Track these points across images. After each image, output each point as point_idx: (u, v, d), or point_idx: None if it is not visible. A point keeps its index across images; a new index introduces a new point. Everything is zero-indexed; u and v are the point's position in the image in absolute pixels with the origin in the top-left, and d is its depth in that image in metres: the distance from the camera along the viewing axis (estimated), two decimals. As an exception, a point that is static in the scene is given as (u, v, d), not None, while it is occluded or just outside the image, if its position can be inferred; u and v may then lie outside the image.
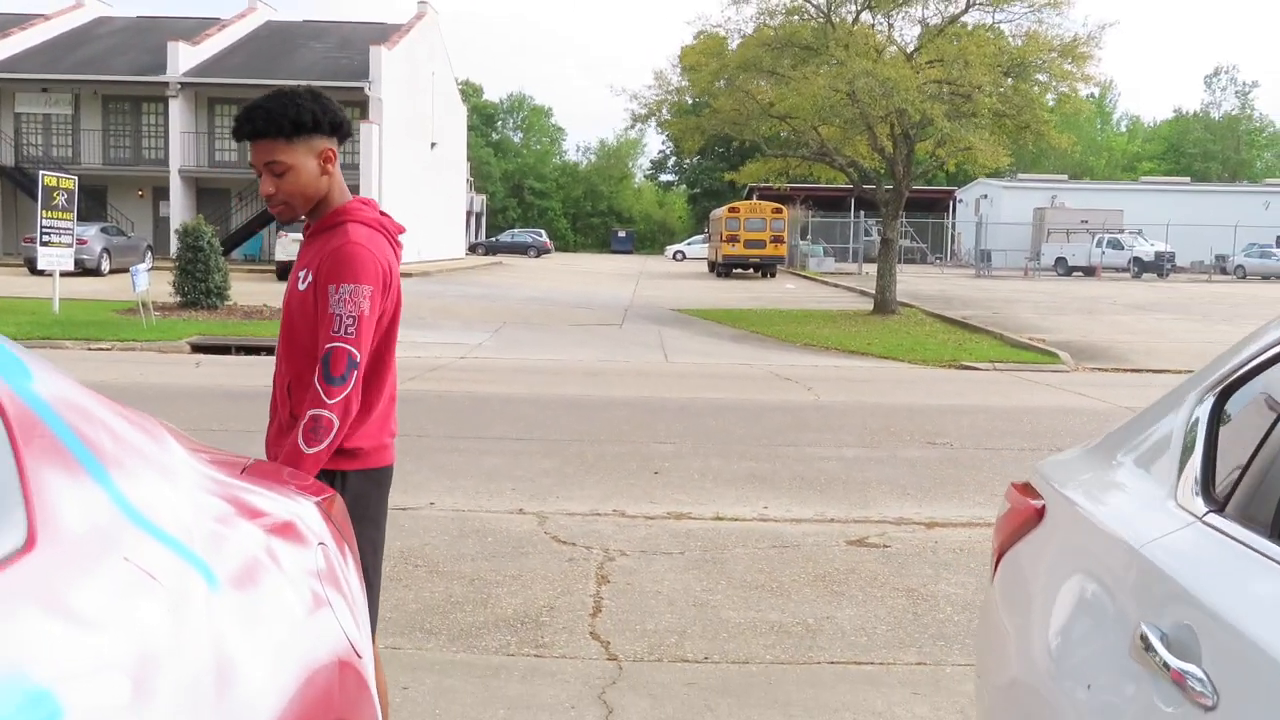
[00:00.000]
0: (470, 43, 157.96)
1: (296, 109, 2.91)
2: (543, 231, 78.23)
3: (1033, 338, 19.91)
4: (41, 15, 46.43)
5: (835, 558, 6.23)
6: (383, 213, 3.12)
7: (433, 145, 48.29)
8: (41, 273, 21.61)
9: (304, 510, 1.99)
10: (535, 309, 25.61)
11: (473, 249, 68.09)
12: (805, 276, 45.82)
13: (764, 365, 15.99)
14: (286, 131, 2.89)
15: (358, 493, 2.99)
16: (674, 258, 69.32)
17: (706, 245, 56.80)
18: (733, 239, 44.15)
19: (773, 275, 45.10)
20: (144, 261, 23.78)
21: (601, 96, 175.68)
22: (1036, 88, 24.95)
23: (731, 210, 45.30)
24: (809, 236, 54.71)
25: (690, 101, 33.80)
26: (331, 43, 44.85)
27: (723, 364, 16.22)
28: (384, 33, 43.92)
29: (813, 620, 5.12)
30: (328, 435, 2.84)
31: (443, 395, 12.09)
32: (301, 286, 2.96)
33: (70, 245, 20.85)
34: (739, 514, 7.23)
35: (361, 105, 40.18)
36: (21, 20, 45.60)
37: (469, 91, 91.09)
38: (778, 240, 44.43)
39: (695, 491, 7.85)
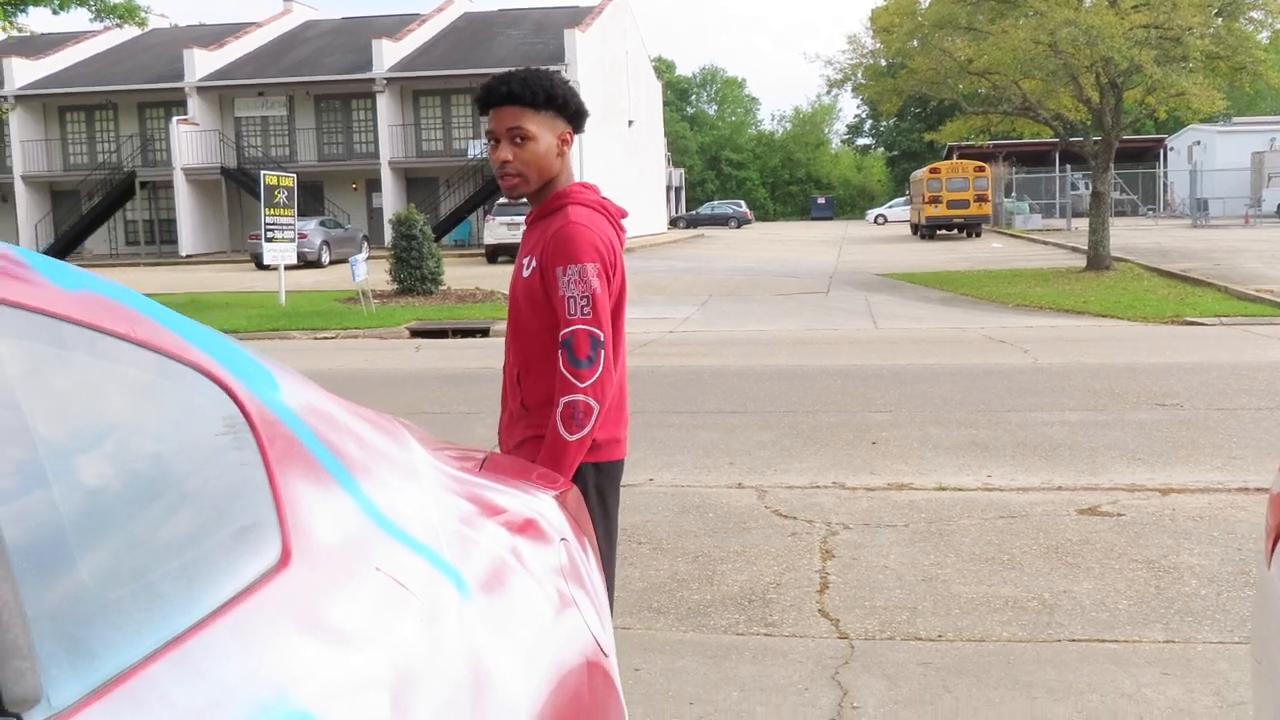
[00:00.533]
0: (662, 20, 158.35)
1: (550, 83, 2.94)
2: (742, 202, 77.97)
3: (1260, 289, 18.75)
4: (254, 23, 48.77)
5: (1067, 528, 5.99)
6: (604, 196, 3.12)
7: (630, 123, 48.66)
8: (267, 267, 22.70)
9: (544, 505, 1.98)
10: (740, 280, 25.53)
11: (674, 223, 68.42)
12: (1011, 235, 44.34)
13: (977, 328, 15.54)
14: (539, 101, 2.90)
15: (595, 486, 3.00)
16: (875, 221, 68.09)
17: (908, 208, 55.55)
18: (935, 200, 43.06)
19: (978, 235, 43.84)
20: (361, 251, 24.74)
21: (794, 64, 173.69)
22: (1250, 25, 23.44)
23: (932, 171, 44.17)
24: (1014, 194, 52.88)
25: (885, 64, 33.08)
26: (527, 29, 45.63)
27: (933, 328, 15.84)
28: (577, 15, 44.42)
29: (1048, 594, 4.93)
30: (588, 419, 2.82)
31: (654, 370, 12.17)
32: (526, 273, 2.96)
33: (292, 240, 21.85)
34: (962, 483, 7.03)
35: (559, 88, 40.72)
36: (236, 29, 47.99)
37: (662, 68, 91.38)
38: (981, 199, 43.11)
39: (915, 461, 7.68)
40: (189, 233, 42.29)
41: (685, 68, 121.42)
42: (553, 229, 2.91)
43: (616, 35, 47.31)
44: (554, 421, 2.83)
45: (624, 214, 3.11)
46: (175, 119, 42.44)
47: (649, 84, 56.11)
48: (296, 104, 43.93)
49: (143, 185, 43.33)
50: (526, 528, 1.83)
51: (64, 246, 42.79)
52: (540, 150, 2.92)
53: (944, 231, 44.29)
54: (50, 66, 46.44)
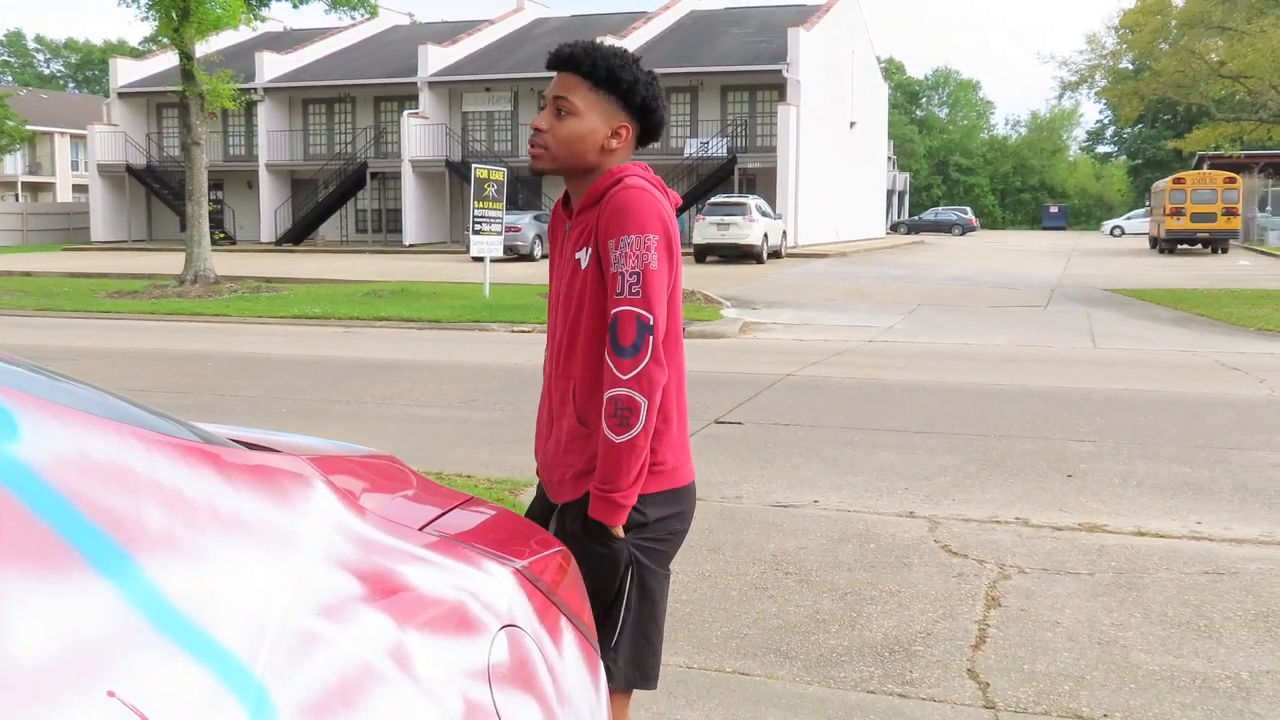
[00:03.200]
0: (893, 20, 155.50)
1: (622, 63, 2.51)
2: (968, 209, 75.63)
3: None
4: (487, 20, 49.93)
5: (1284, 591, 5.20)
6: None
7: (851, 125, 47.66)
8: (480, 259, 22.99)
9: (485, 583, 1.53)
10: (954, 290, 24.48)
11: (894, 228, 66.93)
12: (1263, 252, 41.34)
13: (1208, 353, 14.28)
14: (598, 75, 2.49)
15: (659, 518, 2.55)
16: (1111, 233, 64.93)
17: (1148, 219, 52.60)
18: (1178, 212, 40.50)
19: (1224, 251, 41.03)
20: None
21: (1032, 66, 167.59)
22: None
23: (1176, 181, 41.56)
24: (1268, 208, 49.34)
25: (1129, 66, 31.37)
26: (751, 27, 45.22)
27: (1159, 351, 14.65)
28: (803, 14, 43.74)
29: (1247, 674, 4.21)
30: (637, 417, 2.38)
31: (843, 382, 11.58)
32: (584, 266, 2.50)
33: (499, 233, 22.02)
34: (1165, 529, 6.26)
35: (779, 88, 40.26)
36: (469, 26, 49.25)
37: (891, 69, 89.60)
38: (1230, 213, 40.30)
39: (1114, 500, 6.92)
40: (413, 223, 43.55)
41: (917, 69, 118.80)
42: (605, 203, 2.48)
43: (843, 34, 46.39)
44: (603, 424, 2.41)
45: (679, 203, 2.65)
46: (406, 113, 43.78)
47: (875, 85, 54.87)
48: (521, 100, 44.68)
49: (373, 176, 44.91)
50: (437, 616, 1.40)
51: (300, 232, 44.79)
52: (581, 131, 2.51)
53: (1186, 246, 41.64)
54: (297, 61, 48.66)
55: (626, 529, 2.52)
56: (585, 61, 2.50)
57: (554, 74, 2.57)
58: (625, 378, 2.38)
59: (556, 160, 2.54)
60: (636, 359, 2.38)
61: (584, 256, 2.51)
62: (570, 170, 2.56)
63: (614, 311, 2.40)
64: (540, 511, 2.76)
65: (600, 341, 2.47)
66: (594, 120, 2.52)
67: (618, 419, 2.39)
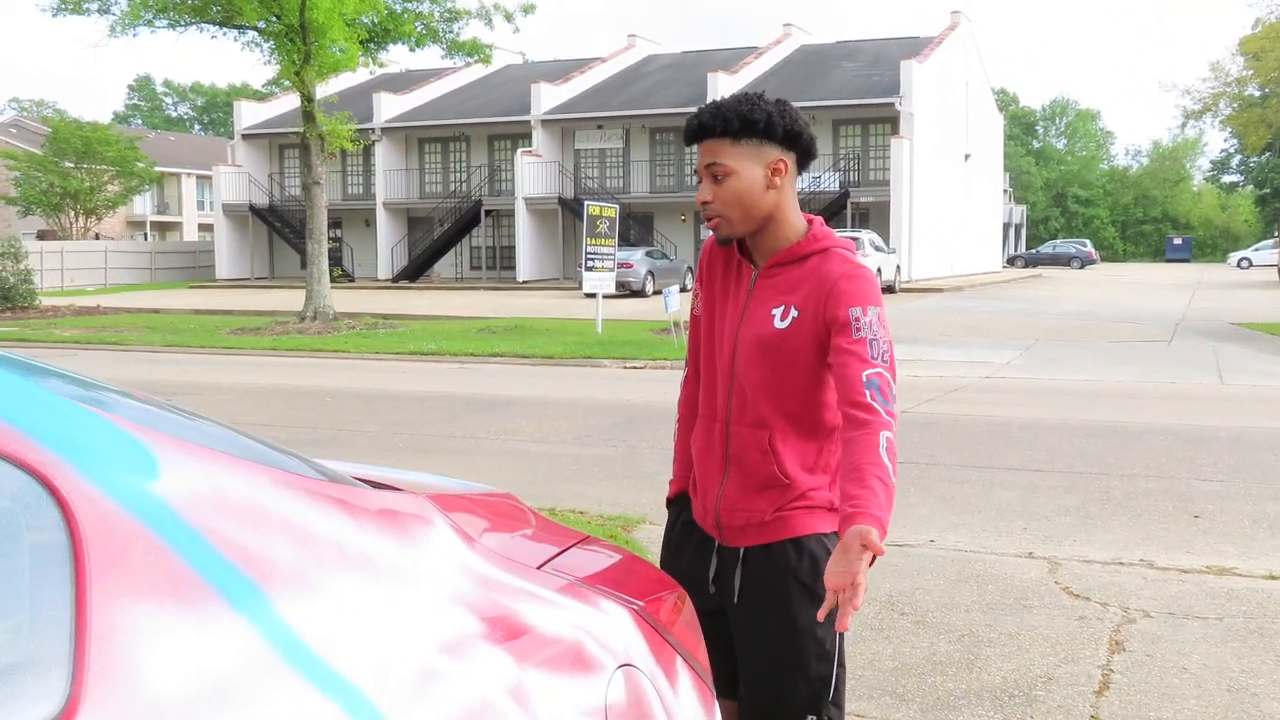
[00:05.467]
0: (1008, 50, 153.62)
1: (750, 107, 2.54)
2: (1087, 241, 73.97)
3: None
4: (598, 58, 50.53)
5: None
6: None
7: (966, 157, 47.08)
8: (592, 295, 23.19)
9: (602, 622, 1.55)
10: (1073, 324, 23.96)
11: (1011, 261, 65.79)
12: (1401, 283, 39.75)
13: (1343, 388, 13.76)
14: (734, 129, 2.52)
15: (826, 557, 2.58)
16: (1238, 265, 62.90)
17: (1276, 251, 50.90)
18: (1308, 243, 39.17)
19: (1360, 283, 39.56)
20: (680, 283, 24.87)
21: (1154, 95, 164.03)
22: None
23: (1307, 211, 40.23)
24: (1407, 237, 47.46)
25: (1255, 92, 30.54)
26: (863, 61, 45.01)
27: (1290, 387, 14.16)
28: (915, 46, 43.41)
29: (1391, 727, 4.03)
30: (896, 466, 2.40)
31: (959, 419, 11.40)
32: (782, 324, 2.54)
33: (611, 269, 22.21)
34: (1299, 573, 6.03)
35: (892, 121, 39.97)
36: (581, 65, 49.87)
37: (1006, 100, 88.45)
38: (1365, 243, 38.85)
39: (1243, 542, 6.68)
40: (526, 259, 44.10)
41: (1033, 99, 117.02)
42: (832, 273, 2.53)
43: (957, 66, 45.92)
44: (879, 458, 2.33)
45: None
46: (520, 151, 44.44)
47: (989, 116, 54.15)
48: (632, 136, 45.06)
49: (487, 213, 45.64)
50: (559, 656, 1.42)
51: (416, 269, 45.66)
52: (742, 186, 2.53)
53: (1317, 278, 40.28)
54: (413, 101, 49.76)
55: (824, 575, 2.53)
56: (717, 123, 2.53)
57: (695, 144, 2.60)
58: (895, 425, 2.42)
59: (734, 223, 2.57)
60: (895, 414, 2.44)
61: (780, 313, 2.56)
62: (754, 224, 2.59)
63: (875, 371, 2.42)
64: (687, 551, 2.75)
65: (796, 397, 2.55)
66: (750, 170, 2.54)
67: (895, 461, 2.37)
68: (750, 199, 2.54)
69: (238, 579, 1.10)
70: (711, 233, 2.64)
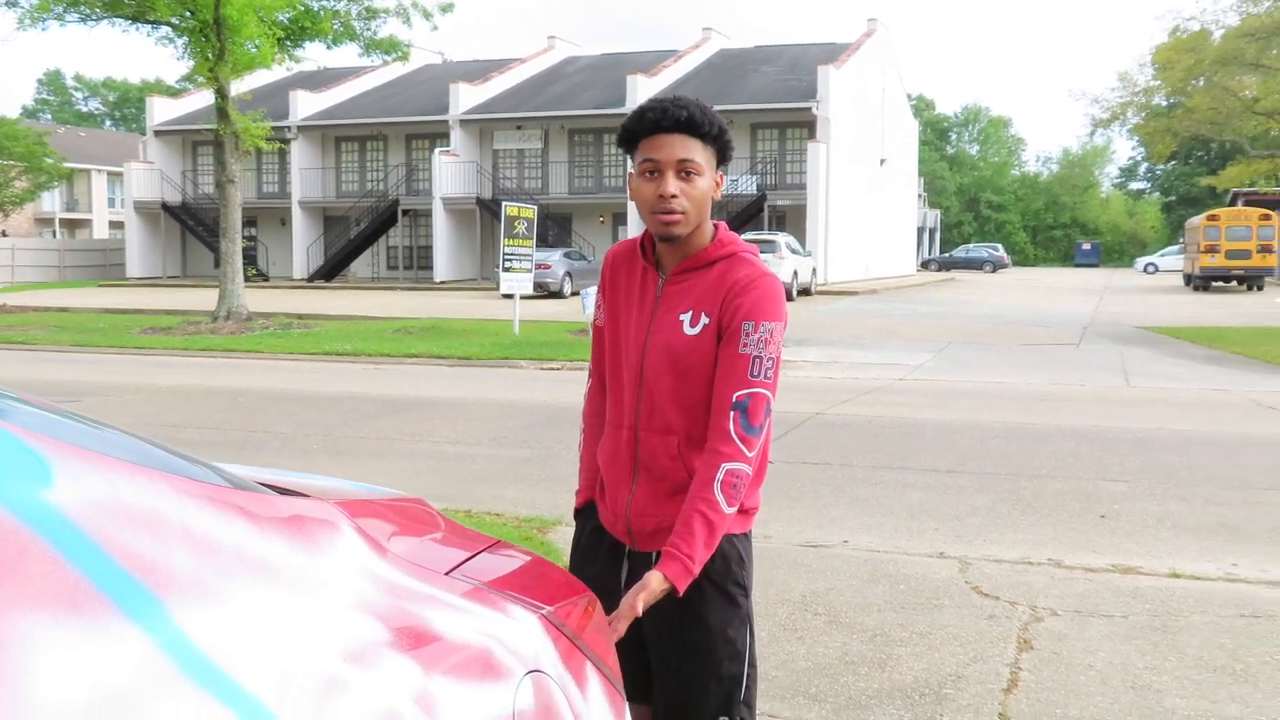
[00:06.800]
0: (923, 57, 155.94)
1: (720, 122, 2.58)
2: (999, 246, 75.37)
3: None
4: (518, 59, 50.37)
5: (1322, 635, 5.12)
6: None
7: (882, 162, 47.72)
8: (510, 296, 23.09)
9: (511, 629, 1.53)
10: (985, 327, 24.37)
11: (925, 265, 66.80)
12: (1299, 289, 40.98)
13: (1244, 392, 14.15)
14: (712, 135, 2.55)
15: (747, 559, 2.67)
16: (1145, 270, 64.49)
17: (1182, 257, 52.25)
18: (1212, 249, 40.22)
19: (1260, 289, 40.67)
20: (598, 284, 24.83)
21: (1064, 103, 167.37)
22: None
23: (1210, 218, 41.28)
24: (1305, 245, 48.91)
25: (1162, 102, 31.31)
26: (781, 66, 45.38)
27: (1194, 389, 14.52)
28: (833, 52, 43.89)
29: (1286, 721, 4.15)
30: (744, 492, 2.51)
31: (873, 420, 11.53)
32: (692, 330, 2.54)
33: (529, 270, 22.12)
34: (1200, 571, 6.18)
35: (809, 125, 40.36)
36: (500, 65, 49.68)
37: (921, 106, 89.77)
38: (1265, 250, 39.94)
39: (1148, 541, 6.84)
40: (444, 260, 43.80)
41: (947, 105, 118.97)
42: (735, 279, 2.54)
43: (873, 72, 46.51)
44: (712, 493, 2.44)
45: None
46: (438, 150, 44.12)
47: (905, 122, 54.93)
48: (551, 137, 44.97)
49: (405, 213, 45.26)
50: (463, 661, 1.40)
51: (332, 269, 45.13)
52: (705, 189, 2.55)
53: (1221, 283, 41.33)
54: (330, 100, 49.20)
55: (735, 575, 2.61)
56: (704, 123, 2.52)
57: (655, 135, 2.54)
58: (750, 454, 2.49)
59: (690, 222, 2.56)
60: (758, 438, 2.50)
61: (689, 319, 2.56)
62: (695, 228, 2.59)
63: (748, 392, 2.49)
64: (598, 558, 2.75)
65: (708, 404, 2.55)
66: (709, 175, 2.56)
67: (735, 491, 2.47)
68: (706, 203, 2.57)
69: (134, 588, 1.07)
70: (663, 229, 2.53)
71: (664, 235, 2.56)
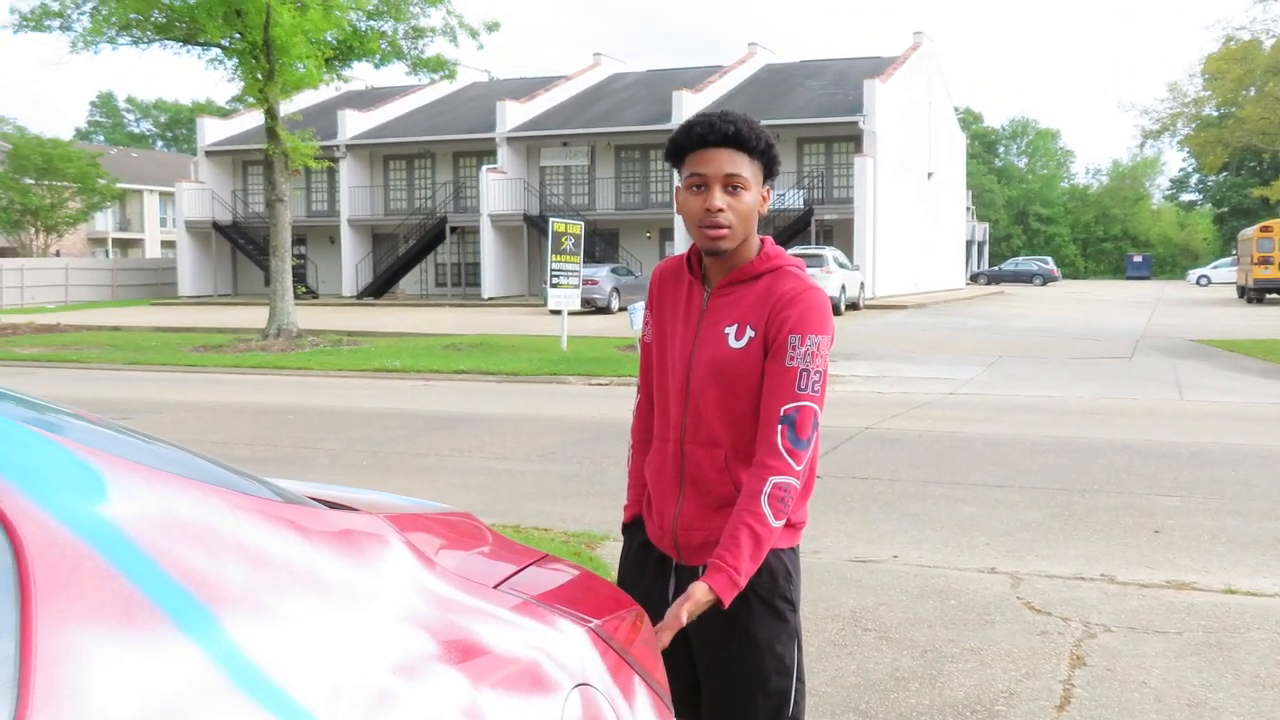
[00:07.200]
0: (969, 70, 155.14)
1: (767, 136, 2.60)
2: (1049, 259, 74.76)
3: None
4: (564, 76, 50.61)
5: (1383, 652, 5.02)
6: None
7: (929, 175, 47.46)
8: (557, 312, 23.17)
9: (559, 642, 1.54)
10: (1035, 341, 24.16)
11: (974, 279, 66.33)
12: (1356, 300, 40.29)
13: (1300, 404, 13.93)
14: (758, 150, 2.56)
15: (795, 573, 2.66)
16: (1197, 283, 63.77)
17: (1234, 268, 51.55)
18: (1265, 261, 39.64)
19: (1315, 300, 40.07)
20: (645, 299, 24.88)
21: (1113, 115, 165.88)
22: None
23: (1264, 229, 40.69)
24: (1361, 255, 48.10)
25: (1213, 113, 30.98)
26: (827, 80, 45.31)
27: (1248, 403, 14.32)
28: (879, 66, 43.75)
29: (1347, 740, 4.07)
30: (792, 504, 2.51)
31: (922, 435, 11.46)
32: (738, 343, 2.55)
33: (576, 286, 22.20)
34: (1257, 588, 6.09)
35: (856, 139, 40.25)
36: (546, 83, 49.94)
37: (968, 119, 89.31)
38: (1319, 261, 39.34)
39: (1203, 556, 6.75)
40: (491, 276, 44.04)
41: (995, 119, 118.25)
42: (780, 292, 2.55)
43: (919, 85, 46.31)
44: (759, 506, 2.44)
45: None
46: (485, 168, 44.40)
47: (952, 135, 54.63)
48: (598, 154, 45.14)
49: (453, 230, 45.57)
50: (514, 676, 1.40)
51: (380, 286, 45.50)
52: (752, 204, 2.56)
53: (1275, 295, 40.72)
54: (378, 118, 49.66)
55: (783, 589, 2.61)
56: (751, 138, 2.54)
57: (703, 150, 2.56)
58: (798, 468, 2.49)
59: (738, 237, 2.57)
60: (806, 451, 2.50)
61: (734, 332, 2.57)
62: (741, 242, 2.59)
63: (795, 405, 2.49)
64: (645, 572, 2.75)
65: (755, 418, 2.56)
66: (756, 190, 2.58)
67: (782, 505, 2.47)
68: (753, 218, 2.58)
69: (187, 602, 1.09)
70: (709, 243, 2.54)
71: (710, 249, 2.57)
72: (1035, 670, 4.81)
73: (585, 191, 45.43)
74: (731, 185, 2.53)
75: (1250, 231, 42.59)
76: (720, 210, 2.52)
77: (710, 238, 2.54)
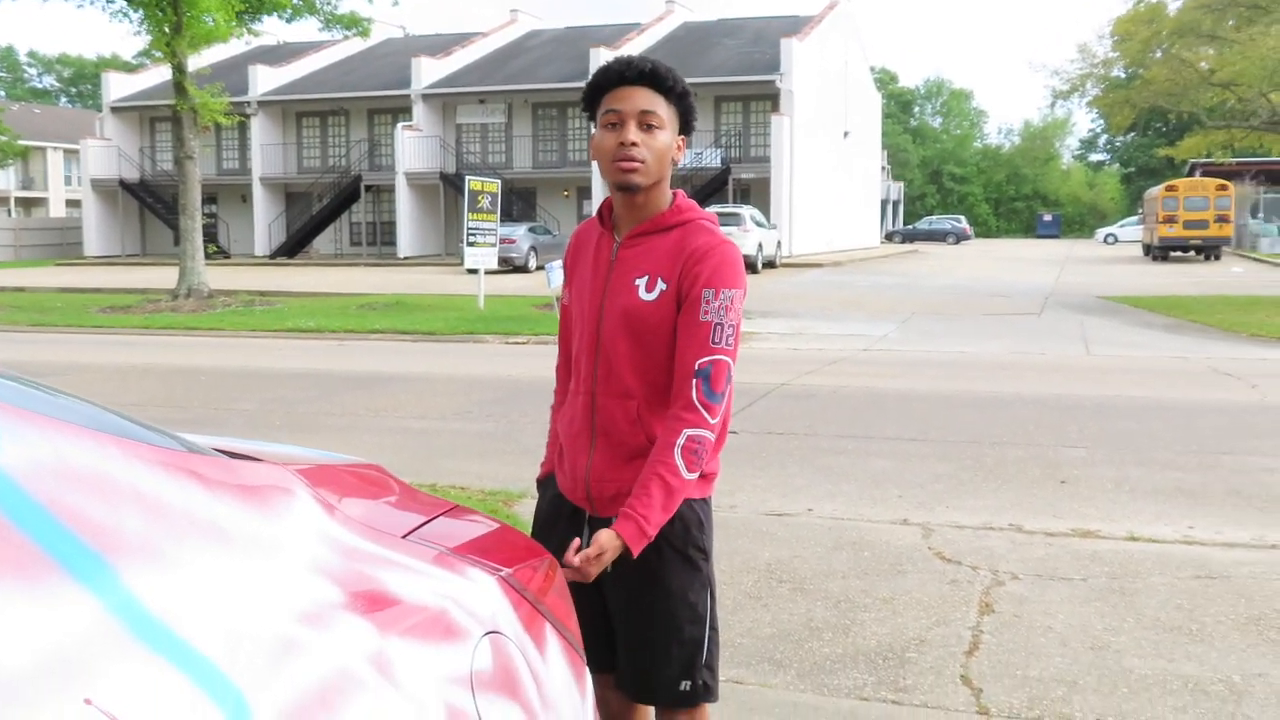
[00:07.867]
0: (886, 30, 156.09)
1: (685, 83, 2.60)
2: (962, 218, 75.74)
3: None
4: (480, 33, 50.01)
5: (1276, 596, 5.20)
6: None
7: (845, 134, 47.77)
8: (474, 271, 23.00)
9: (469, 591, 1.53)
10: (948, 298, 24.52)
11: (889, 237, 67.06)
12: (1256, 259, 41.44)
13: (1201, 358, 14.32)
14: (677, 92, 2.57)
15: (707, 523, 2.68)
16: (1105, 241, 65.06)
17: (1141, 227, 52.69)
18: (1170, 220, 40.54)
19: (1217, 258, 41.08)
20: (562, 258, 24.81)
21: (1024, 76, 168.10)
22: None
23: (1169, 189, 41.60)
24: (1260, 214, 49.44)
25: (1121, 74, 31.51)
26: (744, 38, 45.30)
27: (1152, 357, 14.68)
28: (796, 25, 43.85)
29: (1239, 678, 4.22)
30: (706, 457, 2.53)
31: (837, 390, 11.59)
32: (648, 295, 2.54)
33: (493, 245, 22.05)
34: (1157, 534, 6.27)
35: (772, 98, 40.34)
36: (463, 39, 49.32)
37: (884, 79, 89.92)
38: (1222, 220, 40.30)
39: (1106, 505, 6.93)
40: (407, 235, 43.58)
41: (910, 79, 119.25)
42: (695, 247, 2.53)
43: (836, 45, 46.50)
44: (672, 458, 2.46)
45: None
46: (400, 125, 43.80)
47: (868, 95, 55.01)
48: (515, 112, 44.75)
49: (368, 189, 44.95)
50: (419, 623, 1.39)
51: (294, 245, 44.79)
52: (666, 144, 2.55)
53: (1179, 253, 41.70)
54: (291, 74, 48.70)
55: (695, 539, 2.63)
56: (668, 78, 2.54)
57: (619, 87, 2.55)
58: (713, 421, 2.50)
59: (651, 175, 2.55)
60: (720, 404, 2.52)
61: (645, 284, 2.56)
62: (653, 184, 2.58)
63: (710, 359, 2.50)
64: (559, 525, 2.73)
65: (666, 369, 2.56)
66: (670, 133, 2.57)
67: (696, 457, 2.49)
68: (666, 159, 2.57)
69: (82, 551, 1.06)
70: (622, 176, 2.52)
71: (623, 184, 2.55)
72: (945, 618, 4.91)
73: (503, 150, 45.05)
74: (647, 124, 2.52)
75: (1156, 191, 43.51)
76: (634, 144, 2.51)
77: (623, 170, 2.52)
